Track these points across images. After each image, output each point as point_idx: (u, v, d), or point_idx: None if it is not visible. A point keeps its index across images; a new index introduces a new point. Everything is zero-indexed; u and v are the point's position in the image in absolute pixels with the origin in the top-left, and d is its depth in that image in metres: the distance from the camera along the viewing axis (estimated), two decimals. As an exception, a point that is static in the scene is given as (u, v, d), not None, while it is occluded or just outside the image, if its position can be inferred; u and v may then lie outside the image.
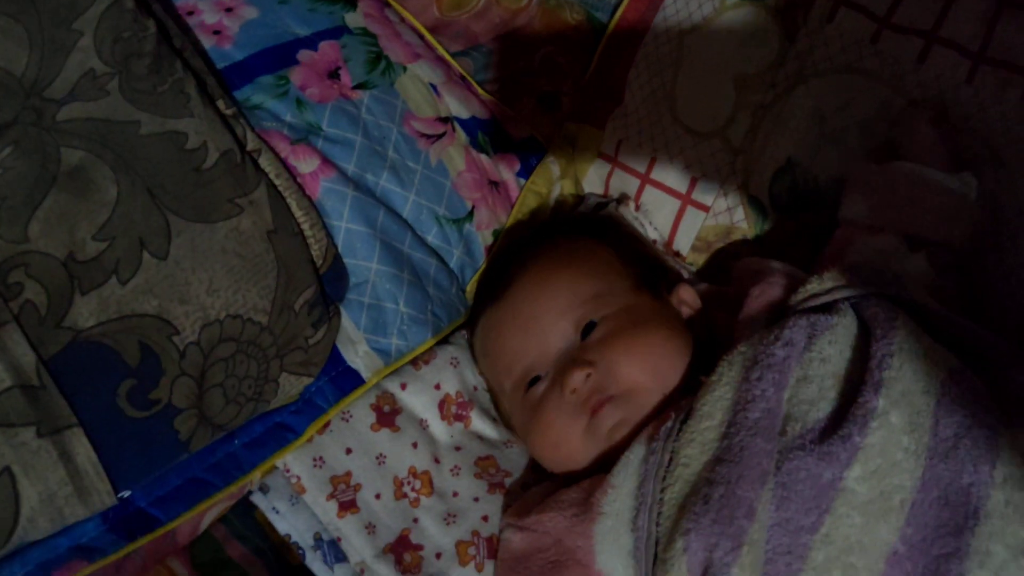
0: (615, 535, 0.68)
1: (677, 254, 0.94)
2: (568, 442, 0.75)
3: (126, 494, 0.67)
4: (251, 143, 0.76)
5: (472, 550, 0.77)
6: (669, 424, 0.68)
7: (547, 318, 0.79)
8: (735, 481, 0.61)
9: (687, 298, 0.84)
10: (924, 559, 0.58)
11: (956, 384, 0.64)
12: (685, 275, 0.92)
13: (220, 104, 0.75)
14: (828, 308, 0.70)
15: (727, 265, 0.91)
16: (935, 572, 0.58)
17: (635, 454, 0.69)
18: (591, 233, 0.87)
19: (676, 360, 0.75)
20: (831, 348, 0.67)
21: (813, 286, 0.71)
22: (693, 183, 0.91)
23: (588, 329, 0.77)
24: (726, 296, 0.82)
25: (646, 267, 0.85)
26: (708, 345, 0.77)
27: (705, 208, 0.91)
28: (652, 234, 0.93)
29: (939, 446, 0.61)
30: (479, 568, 0.76)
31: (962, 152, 0.79)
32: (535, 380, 0.79)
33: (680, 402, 0.71)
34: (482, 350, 0.86)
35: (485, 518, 0.79)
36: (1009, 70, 0.78)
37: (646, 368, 0.74)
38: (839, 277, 0.72)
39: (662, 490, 0.65)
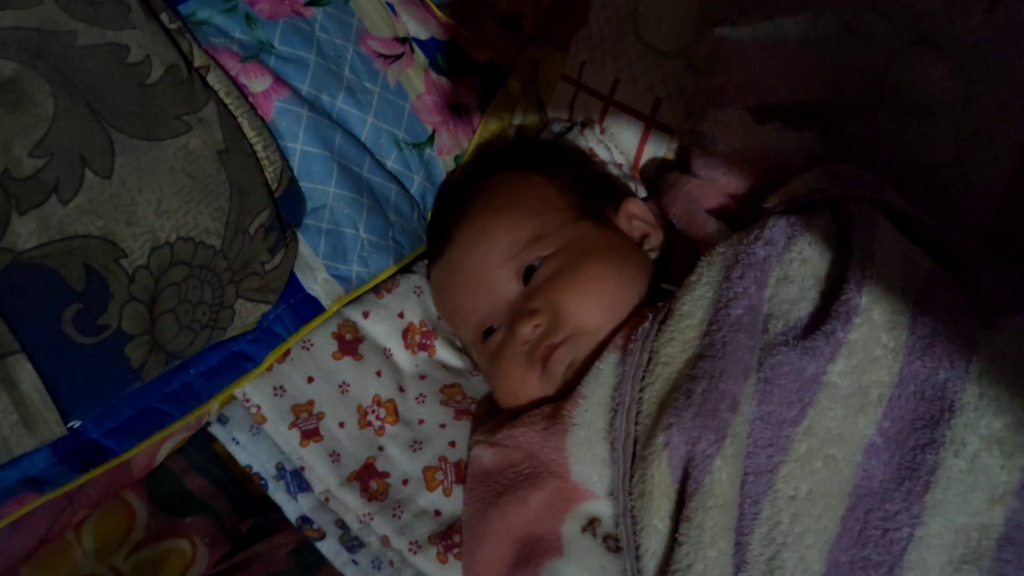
0: (588, 444, 0.67)
1: (644, 178, 0.92)
2: (526, 390, 0.75)
3: (76, 424, 0.64)
4: (198, 59, 0.72)
5: (439, 475, 0.76)
6: (647, 325, 0.67)
7: (489, 270, 0.77)
8: (718, 375, 0.61)
9: (637, 212, 0.82)
10: (900, 450, 0.59)
11: (933, 283, 0.64)
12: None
13: (164, 18, 0.70)
14: (806, 209, 0.69)
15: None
16: (912, 462, 0.59)
17: (606, 362, 0.68)
18: (529, 164, 0.84)
19: (624, 289, 0.74)
20: (811, 249, 0.66)
21: (793, 187, 0.71)
22: (657, 104, 0.89)
23: (530, 273, 0.76)
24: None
25: (588, 193, 0.82)
26: (679, 248, 0.76)
27: (669, 130, 0.89)
28: (618, 158, 0.91)
29: (916, 344, 0.61)
30: (447, 493, 0.75)
31: (930, 67, 0.78)
32: (491, 330, 0.78)
33: (655, 305, 0.70)
34: (437, 303, 0.84)
35: (452, 444, 0.78)
36: (978, -19, 0.77)
37: (591, 305, 0.73)
38: (821, 179, 0.71)
39: (641, 390, 0.65)
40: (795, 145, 0.77)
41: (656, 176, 0.90)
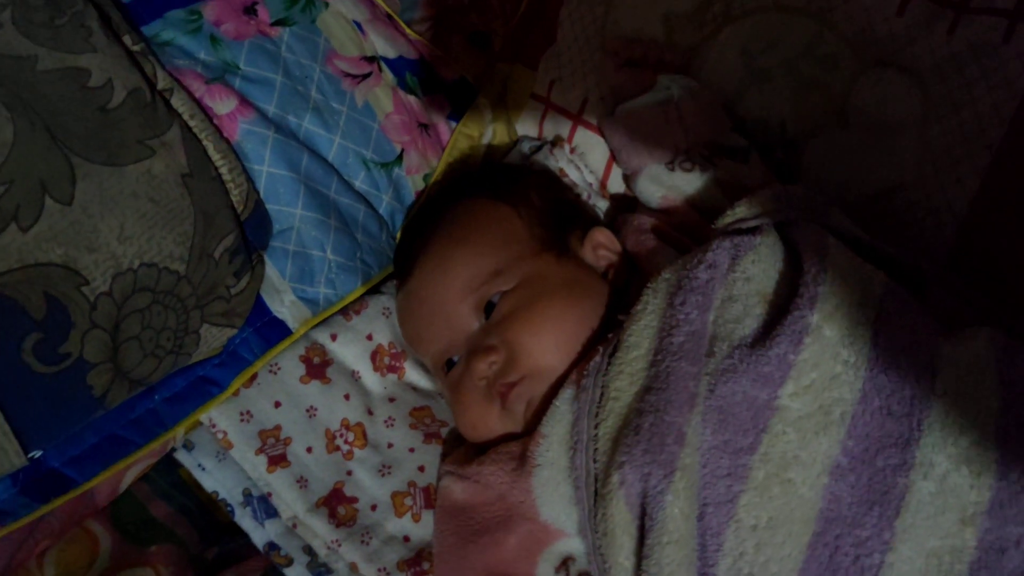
0: (554, 484, 0.67)
1: (612, 197, 0.92)
2: (485, 424, 0.74)
3: (37, 454, 0.63)
4: (162, 82, 0.71)
5: (408, 500, 0.75)
6: (598, 359, 0.66)
7: (448, 304, 0.77)
8: (663, 408, 0.60)
9: (604, 241, 0.81)
10: (868, 470, 0.58)
11: (891, 297, 0.64)
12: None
13: (127, 40, 0.70)
14: (753, 231, 0.69)
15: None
16: (882, 484, 0.58)
17: (562, 400, 0.67)
18: (496, 193, 0.83)
19: (582, 325, 0.73)
20: (754, 267, 0.66)
21: (741, 210, 0.70)
22: (626, 124, 0.89)
23: (491, 307, 0.75)
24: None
25: (553, 224, 0.81)
26: (640, 278, 0.76)
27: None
28: (588, 177, 0.91)
29: (879, 357, 0.60)
30: (416, 518, 0.75)
31: (892, 88, 0.79)
32: (452, 361, 0.77)
33: (607, 338, 0.69)
34: (401, 329, 0.84)
35: (421, 468, 0.77)
36: (938, 3, 0.78)
37: (547, 345, 0.72)
38: (769, 201, 0.71)
39: (596, 426, 0.64)
40: (709, 183, 0.79)
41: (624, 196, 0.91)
